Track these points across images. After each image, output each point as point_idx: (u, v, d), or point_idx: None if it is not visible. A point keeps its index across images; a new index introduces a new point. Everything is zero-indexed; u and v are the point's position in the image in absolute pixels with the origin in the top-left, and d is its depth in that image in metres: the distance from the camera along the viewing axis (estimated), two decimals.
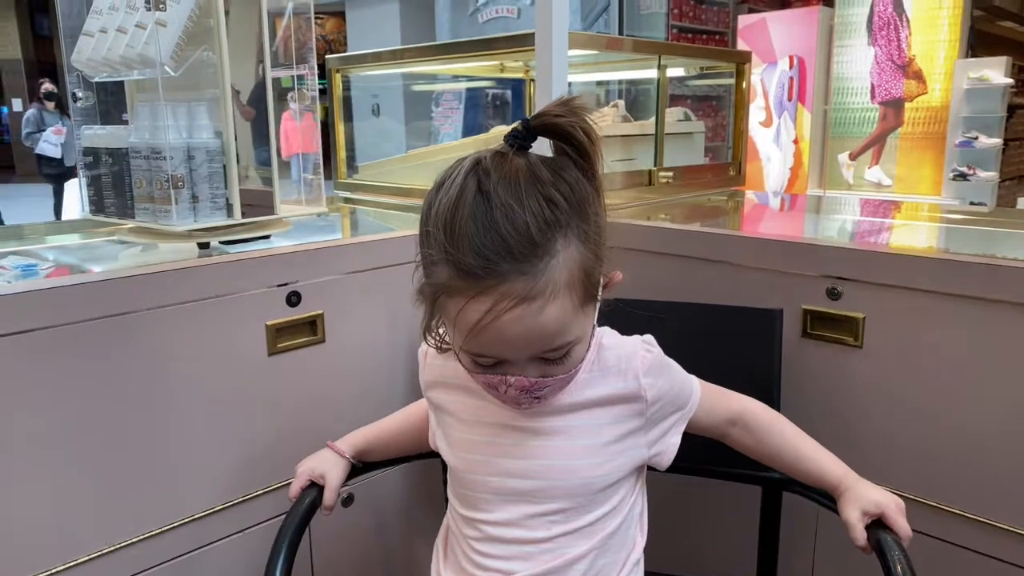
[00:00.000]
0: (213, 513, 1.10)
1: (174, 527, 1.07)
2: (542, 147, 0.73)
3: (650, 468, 0.88)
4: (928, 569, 0.87)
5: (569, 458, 0.79)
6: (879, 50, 5.21)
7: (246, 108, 1.24)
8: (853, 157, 5.45)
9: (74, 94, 1.19)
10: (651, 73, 1.82)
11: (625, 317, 1.28)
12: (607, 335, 0.84)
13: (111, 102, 1.24)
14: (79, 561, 0.99)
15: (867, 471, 1.16)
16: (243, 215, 1.18)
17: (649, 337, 0.87)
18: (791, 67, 5.56)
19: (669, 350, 1.21)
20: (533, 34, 1.40)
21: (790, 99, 5.60)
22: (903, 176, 5.23)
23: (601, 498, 0.81)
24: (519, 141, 0.69)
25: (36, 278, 0.99)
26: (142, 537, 1.04)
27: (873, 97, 5.28)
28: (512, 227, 0.64)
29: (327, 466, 0.96)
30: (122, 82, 1.22)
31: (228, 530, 1.12)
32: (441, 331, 0.77)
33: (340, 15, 9.53)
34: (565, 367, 0.73)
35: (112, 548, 1.01)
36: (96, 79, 1.20)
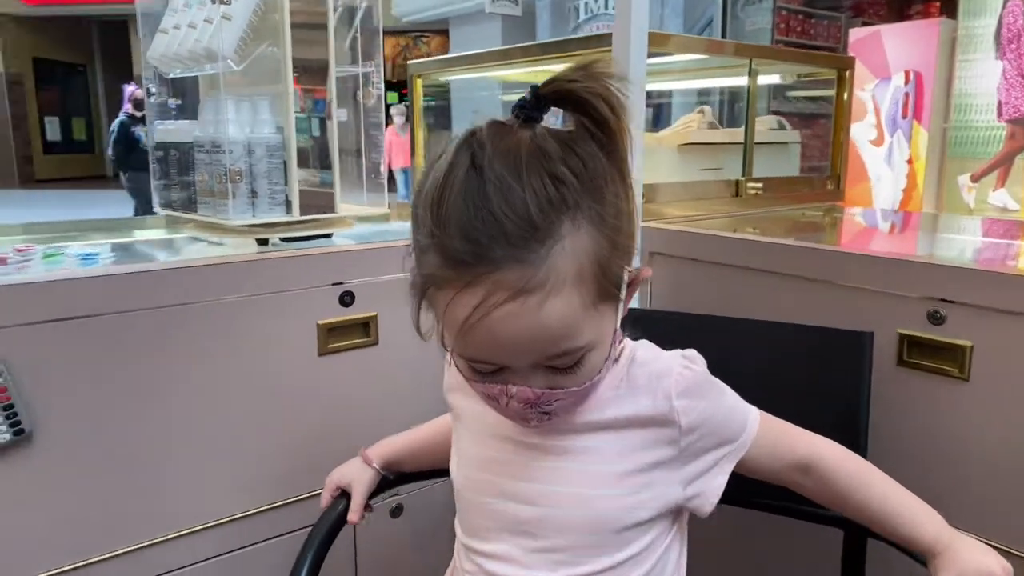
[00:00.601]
0: (254, 514, 1.08)
1: (211, 526, 1.05)
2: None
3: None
4: None
5: (581, 485, 0.67)
6: (1008, 64, 4.82)
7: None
8: (975, 179, 5.05)
9: (148, 90, 1.21)
10: (743, 80, 1.71)
11: (694, 334, 1.19)
12: (643, 348, 0.72)
13: (186, 99, 1.25)
14: (120, 552, 0.98)
15: (967, 523, 1.01)
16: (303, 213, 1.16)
17: (692, 352, 0.72)
18: (907, 82, 5.23)
19: (739, 372, 1.11)
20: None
21: (904, 116, 5.27)
22: None
23: (619, 541, 0.68)
24: (526, 112, 0.58)
25: (95, 266, 0.99)
26: (180, 533, 1.03)
27: (1000, 115, 4.88)
28: (507, 206, 0.54)
29: (354, 475, 0.90)
30: (196, 79, 1.23)
31: (265, 534, 1.09)
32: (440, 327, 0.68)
33: (444, 33, 9.76)
34: (578, 378, 0.61)
35: (153, 541, 1.00)
36: (171, 75, 1.22)
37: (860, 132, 5.49)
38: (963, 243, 1.54)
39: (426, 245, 0.57)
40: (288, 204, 1.14)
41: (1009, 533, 0.98)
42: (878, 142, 5.45)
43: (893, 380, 1.07)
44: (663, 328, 1.21)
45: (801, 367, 1.09)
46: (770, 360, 1.11)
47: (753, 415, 0.73)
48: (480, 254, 0.54)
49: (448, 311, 0.57)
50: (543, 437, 0.68)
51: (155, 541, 1.01)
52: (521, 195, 0.54)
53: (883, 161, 5.38)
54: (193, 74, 1.18)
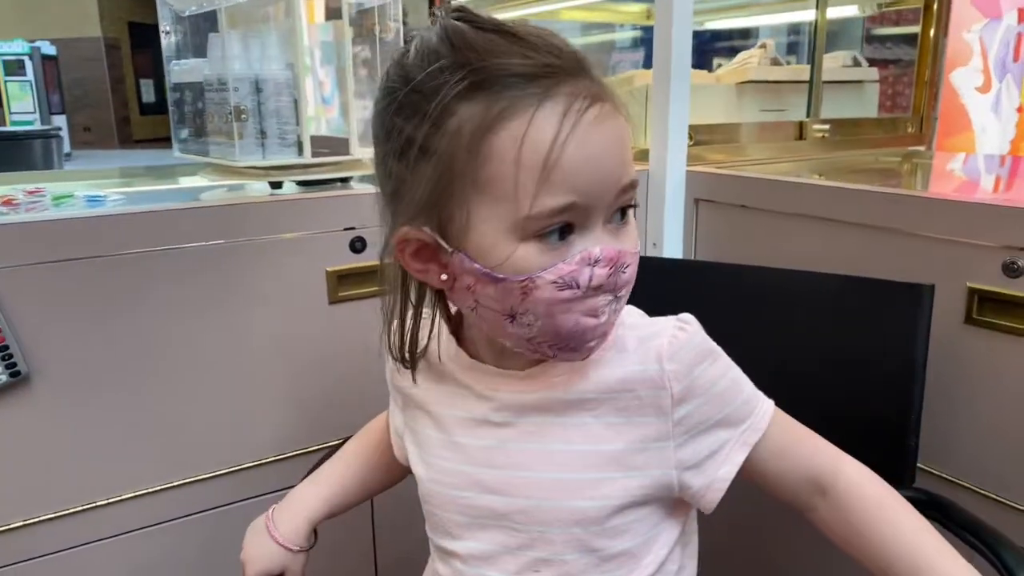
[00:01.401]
0: (261, 465, 1.06)
1: (216, 475, 1.03)
2: None
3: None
4: None
5: (565, 468, 0.58)
6: None
7: None
8: None
9: (164, 29, 1.18)
10: (810, 12, 1.54)
11: (738, 286, 1.08)
12: (632, 314, 0.63)
13: (202, 37, 1.22)
14: (126, 496, 0.98)
15: None
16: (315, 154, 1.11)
17: (688, 316, 0.61)
18: (1020, 21, 4.75)
19: (786, 327, 1.01)
20: None
21: (1016, 59, 4.80)
22: None
23: (609, 532, 0.59)
24: None
25: (102, 207, 0.97)
26: (184, 481, 1.01)
27: None
28: (551, 37, 0.51)
29: (281, 562, 0.73)
30: (213, 18, 1.19)
31: (273, 485, 1.07)
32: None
33: None
34: (631, 239, 0.54)
35: (156, 488, 1.00)
36: (186, 13, 1.18)
37: (964, 78, 5.04)
38: None
39: (456, 91, 0.49)
40: (300, 146, 1.10)
41: None
42: (984, 89, 4.99)
43: (959, 339, 0.95)
44: (707, 279, 1.11)
45: (853, 323, 0.97)
46: (818, 315, 1.00)
47: (767, 403, 0.62)
48: (561, 61, 0.50)
49: (527, 140, 0.48)
50: (524, 416, 0.60)
51: (158, 488, 1.00)
52: (552, 36, 0.52)
53: (990, 109, 4.93)
54: (204, 10, 1.14)
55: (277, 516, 0.75)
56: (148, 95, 14.52)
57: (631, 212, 0.54)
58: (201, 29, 1.20)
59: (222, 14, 1.03)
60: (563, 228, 0.51)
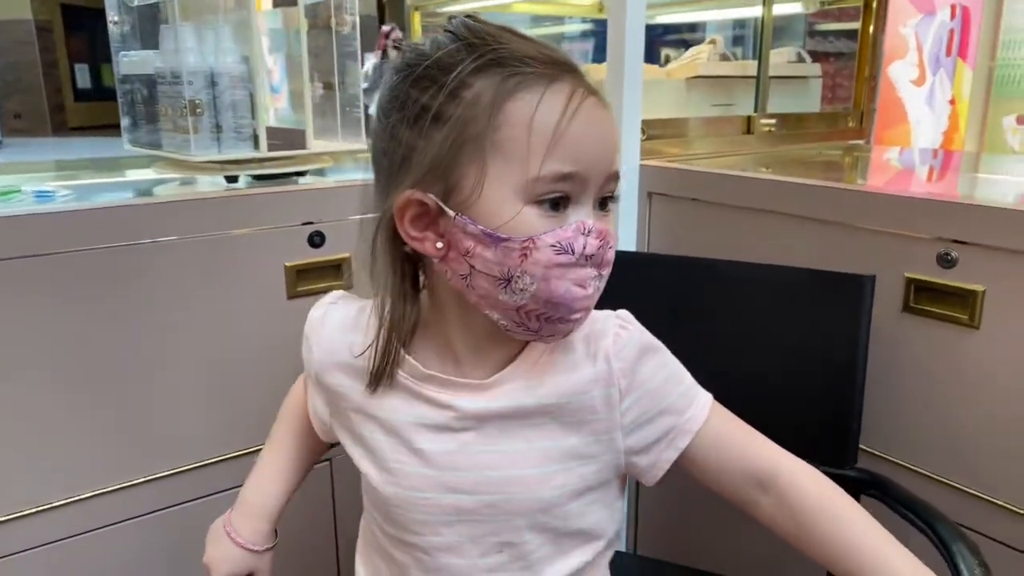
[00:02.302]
0: (219, 462, 1.06)
1: (175, 473, 1.03)
2: None
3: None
4: None
5: (527, 465, 0.62)
6: None
7: None
8: (1021, 121, 4.80)
9: (112, 19, 1.15)
10: (757, 9, 1.59)
11: (689, 278, 1.12)
12: None
13: (152, 27, 1.19)
14: (81, 497, 0.96)
15: (968, 476, 0.95)
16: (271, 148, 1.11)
17: (625, 313, 0.66)
18: (952, 18, 4.94)
19: (735, 316, 1.05)
20: None
21: (948, 54, 4.99)
22: None
23: (567, 514, 0.63)
24: None
25: (51, 203, 0.95)
26: (149, 478, 1.01)
27: None
28: (549, 43, 0.58)
29: (249, 564, 0.75)
30: (161, 8, 1.16)
31: (236, 480, 1.07)
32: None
33: None
34: (613, 226, 0.59)
35: (109, 489, 0.98)
36: (135, 3, 1.16)
37: (900, 71, 5.22)
38: (987, 181, 1.43)
39: (475, 69, 0.54)
40: (256, 139, 1.09)
41: (1007, 487, 0.91)
42: (919, 81, 5.18)
43: (898, 327, 1.00)
44: (659, 272, 1.15)
45: (798, 312, 1.02)
46: (766, 305, 1.05)
47: (705, 395, 0.66)
48: (564, 56, 0.56)
49: (540, 109, 0.53)
50: (486, 422, 0.62)
51: (125, 484, 0.99)
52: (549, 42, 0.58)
53: (924, 102, 5.12)
54: (154, 0, 1.12)
55: (236, 521, 0.76)
56: (83, 81, 14.00)
57: (611, 205, 0.59)
58: (149, 19, 1.17)
59: (175, 4, 1.01)
60: (560, 199, 0.55)
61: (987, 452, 0.93)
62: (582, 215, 0.55)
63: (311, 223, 1.07)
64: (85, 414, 0.95)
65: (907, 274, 0.99)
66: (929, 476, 0.98)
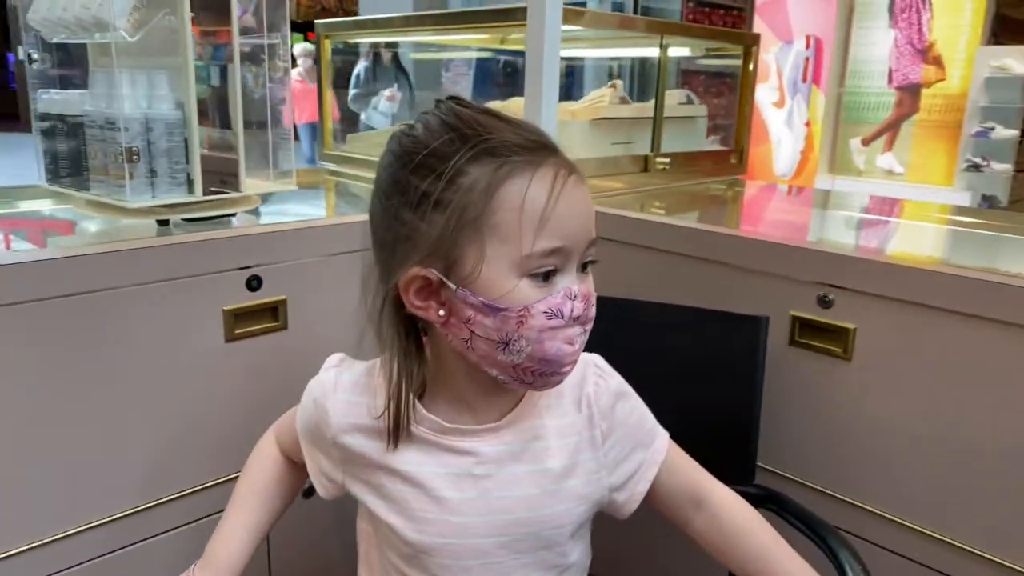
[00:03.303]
0: (162, 504, 1.06)
1: (116, 519, 1.02)
2: None
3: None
4: None
5: (535, 508, 0.70)
6: (899, 33, 5.06)
7: None
8: (866, 143, 5.33)
9: (29, 55, 1.12)
10: (654, 52, 1.73)
11: (601, 316, 1.22)
12: None
13: (73, 66, 1.17)
14: (14, 552, 0.95)
15: (845, 488, 1.11)
16: (210, 190, 1.12)
17: (599, 360, 0.77)
18: (808, 47, 5.42)
19: (646, 354, 1.16)
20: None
21: (804, 80, 5.47)
22: (916, 164, 5.11)
23: (568, 549, 0.72)
24: None
25: None
26: (83, 528, 1.00)
27: (890, 81, 5.15)
28: (528, 123, 0.64)
29: None
30: (84, 46, 1.15)
31: (176, 522, 1.08)
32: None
33: None
34: (592, 286, 0.66)
35: (52, 539, 0.97)
36: (54, 40, 1.13)
37: (763, 94, 5.67)
38: (850, 221, 1.64)
39: (469, 158, 0.60)
40: (191, 183, 1.10)
41: (876, 495, 1.08)
42: (779, 104, 5.65)
43: (785, 358, 1.15)
44: None
45: (704, 349, 1.15)
46: (672, 342, 1.17)
47: (663, 431, 0.78)
48: (545, 140, 0.63)
49: (529, 194, 0.60)
50: (503, 467, 0.69)
51: (54, 538, 0.97)
52: (527, 121, 0.65)
53: (783, 123, 5.59)
54: (80, 41, 1.10)
55: (202, 574, 0.77)
56: None
57: (590, 267, 0.66)
58: (70, 57, 1.15)
59: (111, 48, 1.01)
60: (550, 271, 0.62)
61: (862, 465, 1.09)
62: (568, 281, 0.62)
63: (248, 267, 1.10)
64: (19, 464, 0.93)
65: (792, 312, 1.14)
66: (814, 488, 1.14)
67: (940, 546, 1.02)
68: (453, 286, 0.61)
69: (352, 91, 5.31)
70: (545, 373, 0.64)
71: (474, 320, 0.62)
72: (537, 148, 0.62)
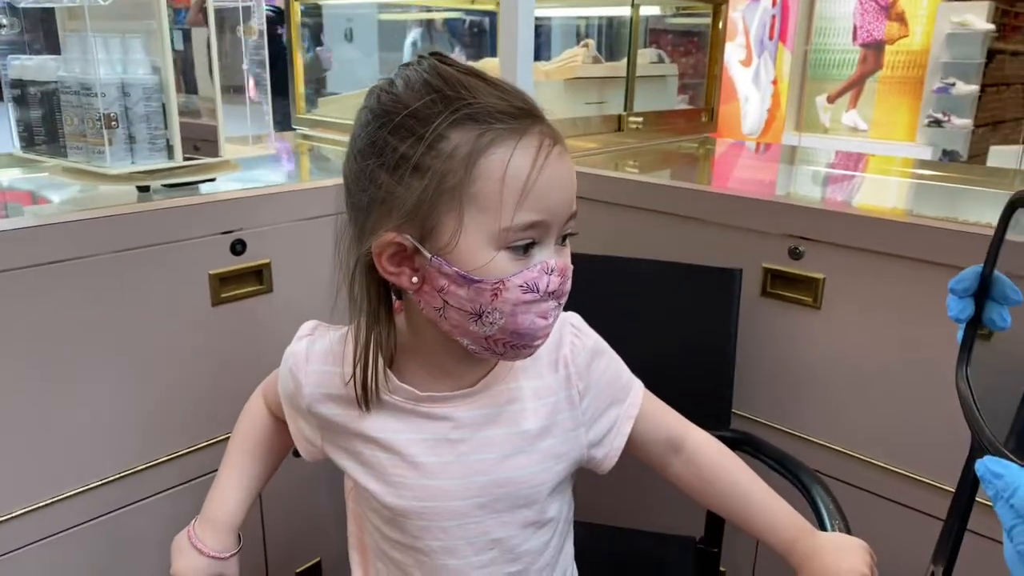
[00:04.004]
0: (152, 466, 1.08)
1: (112, 480, 1.04)
2: None
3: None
4: (856, 518, 0.87)
5: (512, 470, 0.70)
6: None
7: None
8: (831, 100, 5.39)
9: None
10: (626, 11, 1.74)
11: (580, 273, 1.25)
12: None
13: (41, 30, 1.15)
14: (15, 514, 0.96)
15: (815, 429, 1.17)
16: (186, 156, 1.12)
17: (576, 318, 0.76)
18: (774, 5, 5.43)
19: (624, 308, 1.20)
20: None
21: (771, 38, 5.49)
22: (879, 121, 5.19)
23: (546, 506, 0.73)
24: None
25: None
26: (79, 490, 1.02)
27: (855, 39, 5.19)
28: (513, 86, 0.62)
29: (216, 571, 0.77)
30: (52, 9, 1.13)
31: (171, 482, 1.10)
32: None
33: None
34: (569, 258, 0.65)
35: (37, 505, 0.99)
36: (22, 4, 1.11)
37: (730, 52, 5.67)
38: (818, 176, 1.68)
39: (450, 122, 0.58)
40: (170, 149, 1.09)
41: (843, 435, 1.14)
42: (747, 63, 5.67)
43: (758, 308, 1.19)
44: None
45: (679, 302, 1.19)
46: (648, 295, 1.21)
47: (637, 381, 0.79)
48: (530, 106, 0.61)
49: (511, 165, 0.58)
50: (479, 431, 0.69)
51: (51, 500, 0.99)
52: (512, 84, 0.62)
53: (751, 82, 5.62)
54: (50, 6, 1.09)
55: (201, 533, 0.78)
56: None
57: (568, 239, 0.65)
58: (40, 22, 1.13)
59: (85, 12, 1.00)
60: (529, 244, 0.60)
61: (831, 408, 1.15)
62: (546, 255, 0.61)
63: (231, 231, 1.10)
64: (14, 431, 0.95)
65: (764, 264, 1.18)
66: (788, 432, 1.20)
67: (900, 479, 1.09)
68: (428, 254, 0.60)
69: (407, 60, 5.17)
70: (517, 346, 0.64)
71: (447, 290, 0.61)
72: (522, 115, 0.59)
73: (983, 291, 0.56)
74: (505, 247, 0.59)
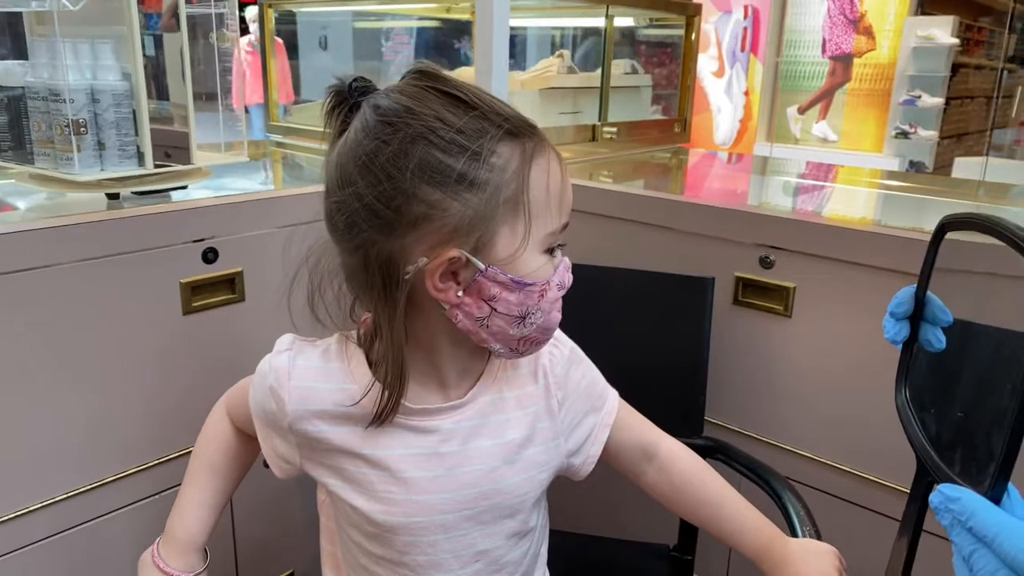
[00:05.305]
0: (122, 477, 1.06)
1: (78, 493, 1.02)
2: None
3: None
4: (827, 523, 0.88)
5: (499, 481, 0.70)
6: (832, 4, 5.20)
7: None
8: (801, 111, 5.48)
9: None
10: (600, 22, 1.76)
11: None
12: None
13: (8, 35, 1.13)
14: None
15: (785, 436, 1.18)
16: (157, 163, 1.10)
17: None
18: (746, 17, 5.51)
19: (597, 317, 1.21)
20: None
21: (743, 50, 5.57)
22: (848, 132, 5.29)
23: (529, 516, 0.74)
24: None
25: None
26: (44, 503, 0.99)
27: (824, 51, 5.29)
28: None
29: None
30: (19, 14, 1.11)
31: (139, 494, 1.08)
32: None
33: None
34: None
35: (6, 518, 0.97)
36: None
37: (703, 64, 5.75)
38: (789, 187, 1.71)
39: (495, 137, 0.60)
40: (141, 156, 1.08)
41: (819, 444, 1.15)
42: (719, 73, 5.75)
43: (730, 317, 1.21)
44: None
45: (652, 310, 1.20)
46: (622, 306, 1.21)
47: (612, 391, 0.80)
48: (528, 121, 0.64)
49: (551, 174, 0.62)
50: (468, 443, 0.69)
51: (15, 514, 0.97)
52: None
53: (723, 93, 5.69)
54: (16, 10, 1.07)
55: (165, 552, 0.76)
56: None
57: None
58: (5, 26, 1.12)
59: (55, 17, 0.98)
60: (558, 245, 0.65)
61: (801, 415, 1.17)
62: (560, 254, 0.66)
63: (203, 240, 1.09)
64: None
65: (736, 273, 1.20)
66: (759, 439, 1.21)
67: (869, 485, 1.11)
68: (482, 265, 0.60)
69: None
70: (541, 341, 0.67)
71: (499, 297, 0.61)
72: (531, 127, 0.63)
73: (918, 313, 0.55)
74: (544, 251, 0.63)
